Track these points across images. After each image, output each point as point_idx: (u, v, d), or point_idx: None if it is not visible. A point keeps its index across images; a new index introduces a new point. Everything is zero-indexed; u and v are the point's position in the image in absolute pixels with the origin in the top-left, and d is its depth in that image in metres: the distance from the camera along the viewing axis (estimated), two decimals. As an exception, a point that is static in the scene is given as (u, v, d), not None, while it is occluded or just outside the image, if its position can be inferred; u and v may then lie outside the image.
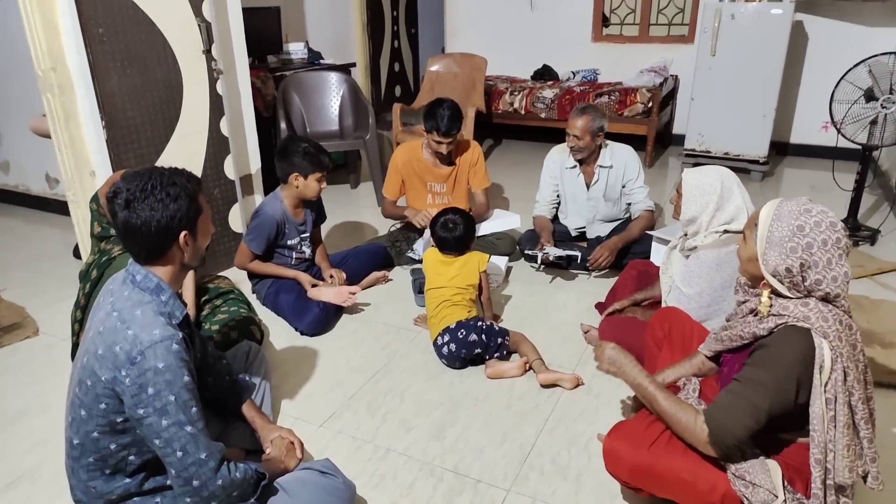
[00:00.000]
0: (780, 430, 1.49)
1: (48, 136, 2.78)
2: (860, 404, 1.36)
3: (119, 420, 1.38)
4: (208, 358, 1.76)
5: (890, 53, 3.21)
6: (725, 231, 2.13)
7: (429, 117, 3.02)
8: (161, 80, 2.73)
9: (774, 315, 1.42)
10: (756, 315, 1.50)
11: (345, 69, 4.82)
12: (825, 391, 1.34)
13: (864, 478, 1.43)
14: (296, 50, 4.76)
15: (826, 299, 1.39)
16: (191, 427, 1.35)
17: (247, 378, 1.92)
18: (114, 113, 2.59)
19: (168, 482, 1.44)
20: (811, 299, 1.39)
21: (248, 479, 1.46)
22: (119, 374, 1.33)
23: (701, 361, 1.80)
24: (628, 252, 3.04)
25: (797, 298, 1.41)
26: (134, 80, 2.63)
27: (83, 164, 2.64)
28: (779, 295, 1.44)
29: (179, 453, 1.34)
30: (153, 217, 1.36)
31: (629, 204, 3.19)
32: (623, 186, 3.15)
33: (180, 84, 2.80)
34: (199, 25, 2.79)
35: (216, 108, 2.96)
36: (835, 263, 1.36)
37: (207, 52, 2.86)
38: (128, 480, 1.45)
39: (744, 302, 1.60)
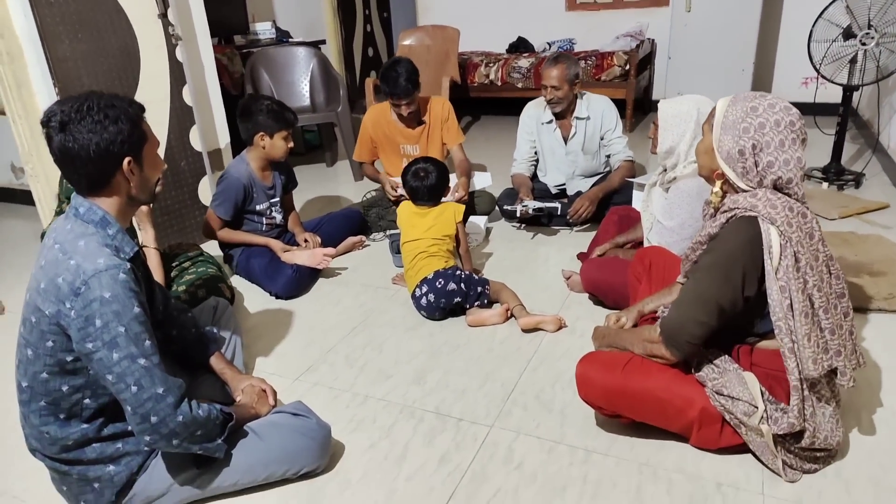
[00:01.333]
0: (746, 330, 1.43)
1: (2, 113, 2.68)
2: (816, 292, 1.32)
3: (69, 359, 1.29)
4: (171, 310, 1.68)
5: (864, -12, 3.16)
6: (705, 160, 2.07)
7: (384, 80, 2.93)
8: (116, 46, 2.63)
9: (725, 211, 1.39)
10: (711, 213, 1.47)
11: (314, 45, 4.72)
12: (778, 277, 1.31)
13: (834, 374, 1.37)
14: (263, 30, 4.67)
15: (778, 187, 1.36)
16: (144, 360, 1.26)
17: (214, 331, 1.83)
18: (67, 80, 2.48)
19: (130, 428, 1.35)
20: (761, 190, 1.36)
21: (213, 418, 1.38)
22: (63, 307, 1.24)
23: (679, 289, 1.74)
24: (609, 203, 2.97)
25: (748, 191, 1.38)
26: (87, 46, 2.53)
27: (40, 134, 2.49)
28: (733, 189, 1.42)
29: (134, 388, 1.26)
30: (91, 140, 1.26)
31: (608, 157, 3.13)
32: (601, 138, 3.08)
33: (136, 50, 2.70)
34: (153, -12, 2.70)
35: (177, 75, 2.86)
36: (787, 146, 1.34)
37: (163, 16, 2.76)
38: (84, 426, 1.36)
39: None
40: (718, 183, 1.44)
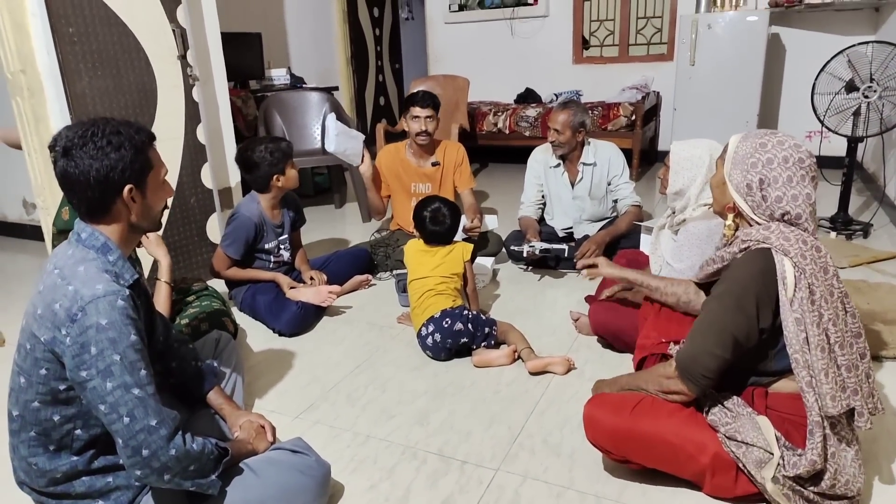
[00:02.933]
0: (761, 369, 1.39)
1: (19, 147, 2.72)
2: (831, 326, 1.29)
3: (62, 388, 1.26)
4: (172, 341, 1.65)
5: (866, 43, 3.22)
6: (714, 203, 2.07)
7: (408, 99, 3.04)
8: (134, 84, 2.69)
9: (738, 242, 1.39)
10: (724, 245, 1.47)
11: (327, 91, 4.83)
12: (792, 309, 1.29)
13: (851, 414, 1.32)
14: (278, 75, 4.79)
15: (788, 221, 1.36)
16: (138, 390, 1.22)
17: (215, 365, 1.79)
18: (84, 115, 2.52)
19: (121, 461, 1.31)
20: (773, 223, 1.37)
21: (208, 453, 1.33)
22: (59, 334, 1.22)
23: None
24: (617, 247, 2.95)
25: (761, 224, 1.38)
26: (105, 83, 2.59)
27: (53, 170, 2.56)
28: (746, 222, 1.43)
29: (126, 419, 1.21)
30: (91, 166, 1.25)
31: (615, 202, 3.13)
32: (608, 184, 3.10)
33: (154, 88, 2.76)
34: (173, 31, 2.78)
35: (192, 114, 2.91)
36: (795, 182, 1.34)
37: (182, 57, 2.83)
38: (74, 458, 1.31)
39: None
40: (731, 216, 1.44)
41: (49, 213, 2.64)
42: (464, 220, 3.02)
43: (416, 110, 3.01)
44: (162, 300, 2.12)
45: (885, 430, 1.70)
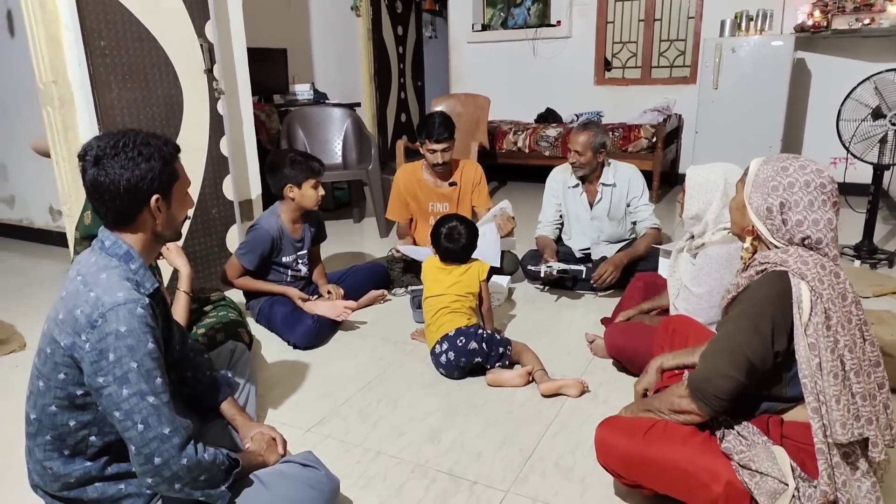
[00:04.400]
0: (776, 395, 1.36)
1: (48, 155, 2.79)
2: (847, 353, 1.26)
3: (79, 393, 1.28)
4: (187, 351, 1.66)
5: (893, 70, 3.19)
6: (733, 227, 2.04)
7: (420, 127, 3.04)
8: (161, 96, 2.75)
9: (756, 265, 1.38)
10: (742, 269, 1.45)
11: (350, 107, 4.89)
12: (807, 334, 1.27)
13: (865, 444, 1.28)
14: (302, 91, 4.86)
15: (808, 245, 1.34)
16: (153, 398, 1.24)
17: (229, 375, 1.80)
18: (112, 125, 2.59)
19: (133, 468, 1.31)
20: (792, 247, 1.35)
21: (219, 463, 1.33)
22: (78, 339, 1.24)
23: None
24: (634, 270, 2.93)
25: (780, 248, 1.37)
26: (134, 94, 2.65)
27: (80, 176, 2.62)
28: (764, 245, 1.41)
29: (140, 426, 1.22)
30: (122, 175, 1.28)
31: (634, 224, 3.11)
32: (627, 205, 3.08)
33: (181, 101, 2.82)
34: (201, 45, 2.84)
35: (216, 127, 2.97)
36: (817, 206, 1.33)
37: (209, 71, 2.89)
38: (88, 464, 1.32)
39: None
40: (749, 239, 1.43)
41: (73, 220, 2.70)
42: (495, 226, 3.03)
43: (432, 145, 3.04)
44: (180, 310, 2.15)
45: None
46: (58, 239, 3.97)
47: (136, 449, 1.23)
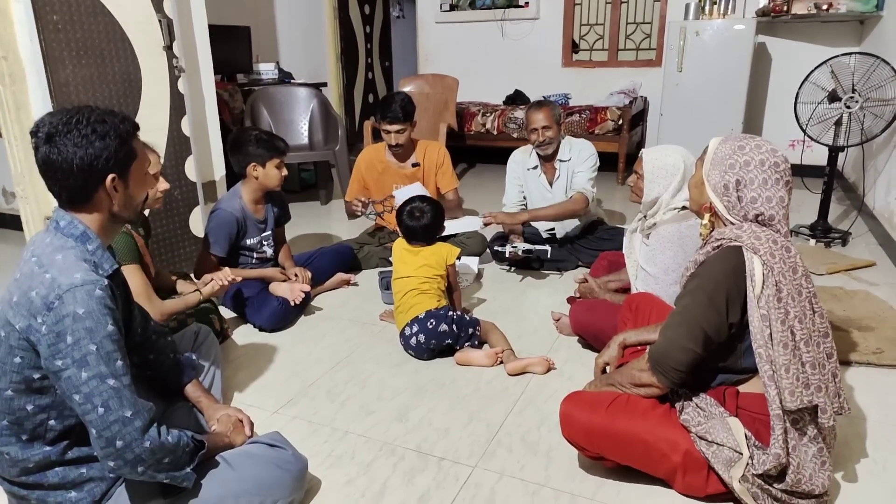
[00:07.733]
0: (731, 366, 1.42)
1: None
2: (797, 324, 1.32)
3: (36, 377, 1.25)
4: (150, 333, 1.63)
5: (849, 54, 3.27)
6: (684, 207, 2.07)
7: (379, 105, 3.01)
8: (118, 73, 2.66)
9: (712, 241, 1.43)
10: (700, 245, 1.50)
11: (316, 87, 4.81)
12: (759, 306, 1.32)
13: (815, 411, 1.35)
14: (266, 70, 4.76)
15: (761, 222, 1.40)
16: (114, 380, 1.22)
17: (193, 358, 1.78)
18: (66, 103, 2.49)
19: (95, 452, 1.29)
20: (746, 223, 1.40)
21: (183, 445, 1.32)
22: (34, 322, 1.20)
23: None
24: (595, 235, 3.07)
25: (735, 224, 1.42)
26: (89, 71, 2.56)
27: (34, 157, 2.53)
28: (721, 222, 1.47)
29: (101, 409, 1.20)
30: (75, 153, 1.24)
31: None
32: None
33: (139, 79, 2.73)
34: (159, 21, 2.75)
35: (177, 106, 2.89)
36: (770, 185, 1.38)
37: (168, 48, 2.81)
38: (48, 448, 1.30)
39: None
40: (707, 216, 1.48)
41: (28, 202, 2.61)
42: (479, 218, 3.05)
43: (386, 125, 3.02)
44: (180, 300, 2.11)
45: (856, 433, 1.74)
46: (11, 222, 3.83)
47: (96, 432, 1.21)
